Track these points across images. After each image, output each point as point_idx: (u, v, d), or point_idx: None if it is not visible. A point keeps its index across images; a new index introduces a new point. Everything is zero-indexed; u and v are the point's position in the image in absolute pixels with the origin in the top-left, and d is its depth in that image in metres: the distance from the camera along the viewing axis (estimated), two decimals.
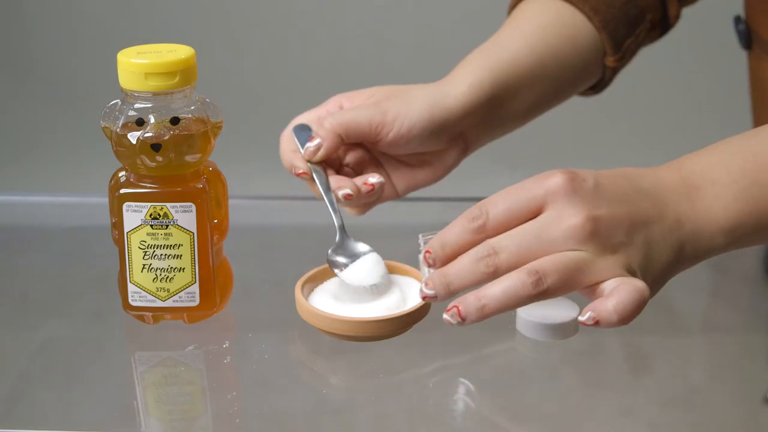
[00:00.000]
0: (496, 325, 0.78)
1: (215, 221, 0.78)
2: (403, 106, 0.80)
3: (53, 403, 0.73)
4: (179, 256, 0.76)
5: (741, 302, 0.91)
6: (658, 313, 0.85)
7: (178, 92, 0.75)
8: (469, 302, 0.62)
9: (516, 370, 0.77)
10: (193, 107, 0.76)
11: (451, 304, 0.63)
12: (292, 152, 0.82)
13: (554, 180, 0.63)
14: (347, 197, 0.78)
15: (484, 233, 0.63)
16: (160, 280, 0.76)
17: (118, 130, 0.75)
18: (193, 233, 0.75)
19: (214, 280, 0.77)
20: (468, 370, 0.76)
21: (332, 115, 0.81)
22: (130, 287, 0.77)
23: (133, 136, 0.74)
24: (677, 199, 0.64)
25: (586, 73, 0.91)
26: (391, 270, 0.80)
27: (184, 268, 0.76)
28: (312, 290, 0.78)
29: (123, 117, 0.75)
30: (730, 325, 0.86)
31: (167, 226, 0.75)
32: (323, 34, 1.95)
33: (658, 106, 1.90)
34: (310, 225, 1.03)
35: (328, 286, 0.78)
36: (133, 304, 0.77)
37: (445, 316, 0.63)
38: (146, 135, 0.73)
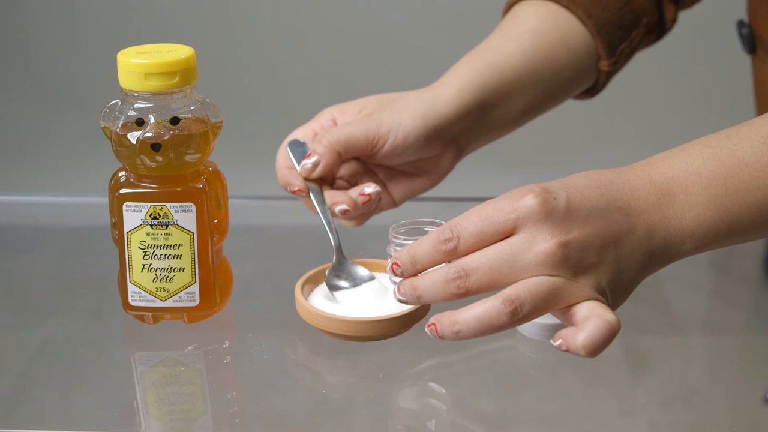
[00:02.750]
0: None
1: (215, 221, 0.78)
2: (396, 116, 0.80)
3: (53, 403, 0.73)
4: (179, 256, 0.76)
5: (741, 302, 0.91)
6: (658, 313, 0.85)
7: (177, 92, 0.75)
8: (445, 324, 0.62)
9: (516, 370, 0.77)
10: (193, 107, 0.76)
11: (430, 321, 0.63)
12: (288, 169, 0.81)
13: (527, 202, 0.61)
14: (344, 213, 0.78)
15: (455, 255, 0.63)
16: (160, 280, 0.76)
17: (117, 130, 0.75)
18: (193, 233, 0.75)
19: (214, 280, 0.77)
20: (468, 370, 0.76)
21: (329, 132, 0.80)
22: (130, 287, 0.77)
23: (133, 136, 0.74)
24: (649, 209, 0.64)
25: (580, 78, 0.90)
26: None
27: (183, 268, 0.76)
28: (312, 290, 0.78)
29: (123, 117, 0.75)
30: (730, 325, 0.86)
31: (167, 226, 0.75)
32: (323, 35, 1.95)
33: (660, 110, 1.90)
34: (310, 225, 1.03)
35: None
36: (133, 304, 0.77)
37: (426, 329, 0.64)
38: (146, 135, 0.73)
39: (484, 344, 0.78)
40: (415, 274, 0.65)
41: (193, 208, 0.75)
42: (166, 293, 0.77)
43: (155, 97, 0.74)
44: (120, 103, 0.76)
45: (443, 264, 0.64)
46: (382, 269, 0.79)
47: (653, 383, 0.75)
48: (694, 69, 1.82)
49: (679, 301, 0.87)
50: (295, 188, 0.80)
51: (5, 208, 1.09)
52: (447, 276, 0.62)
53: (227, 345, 0.79)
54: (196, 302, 0.77)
